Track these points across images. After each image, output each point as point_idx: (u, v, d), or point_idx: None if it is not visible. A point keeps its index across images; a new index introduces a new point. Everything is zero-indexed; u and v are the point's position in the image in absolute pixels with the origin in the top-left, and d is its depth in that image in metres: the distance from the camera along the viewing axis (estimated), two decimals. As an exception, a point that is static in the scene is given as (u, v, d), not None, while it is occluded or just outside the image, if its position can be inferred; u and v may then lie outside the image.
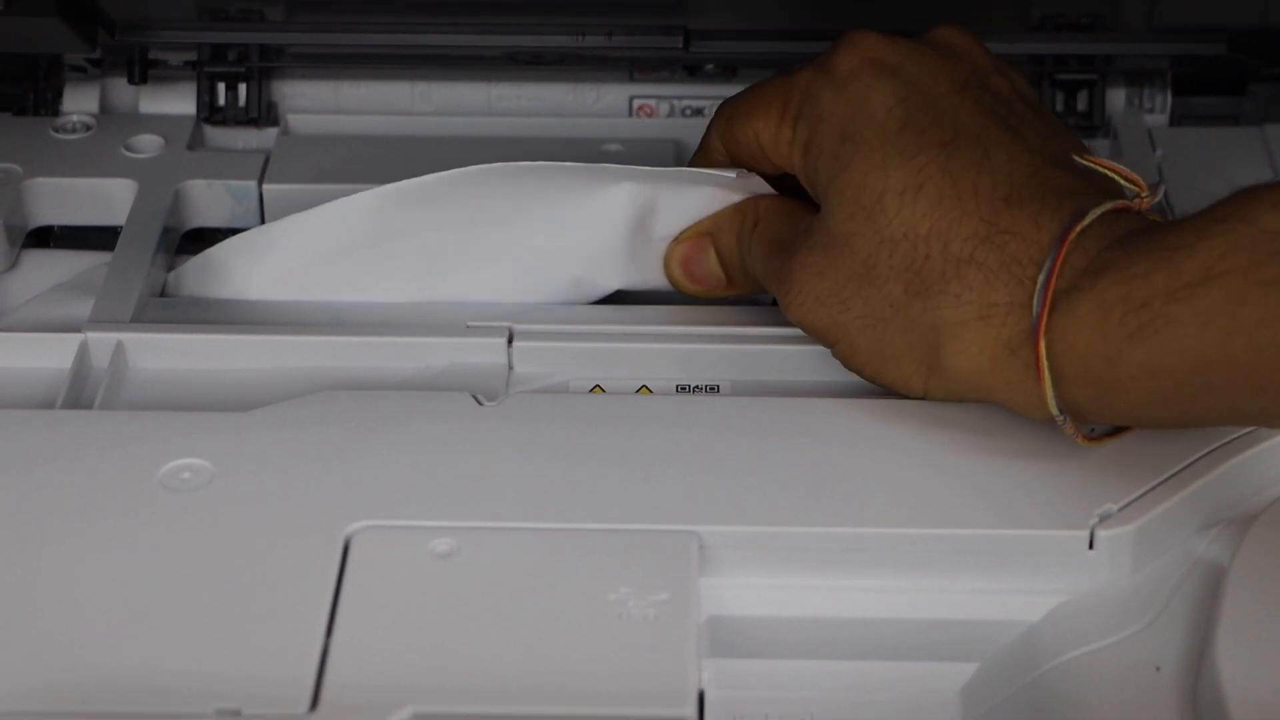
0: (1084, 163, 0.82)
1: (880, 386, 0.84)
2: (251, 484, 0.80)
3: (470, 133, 1.05)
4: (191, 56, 1.05)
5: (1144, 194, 0.80)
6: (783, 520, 0.79)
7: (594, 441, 0.82)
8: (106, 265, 0.95)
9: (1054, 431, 0.82)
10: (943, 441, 0.82)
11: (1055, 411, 0.78)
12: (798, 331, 0.88)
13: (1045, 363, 0.77)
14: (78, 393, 0.87)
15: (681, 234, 0.91)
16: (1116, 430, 0.81)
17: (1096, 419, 0.80)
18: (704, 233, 0.90)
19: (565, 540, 0.78)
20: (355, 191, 0.98)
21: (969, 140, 0.82)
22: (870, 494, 0.80)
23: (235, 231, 1.00)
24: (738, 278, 0.90)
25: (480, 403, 0.85)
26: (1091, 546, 0.78)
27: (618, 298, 0.95)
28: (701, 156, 0.91)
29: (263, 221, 1.00)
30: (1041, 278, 0.77)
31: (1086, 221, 0.78)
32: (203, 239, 1.01)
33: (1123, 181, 0.81)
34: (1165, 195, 0.98)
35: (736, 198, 0.90)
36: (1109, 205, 0.78)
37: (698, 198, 0.90)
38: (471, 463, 0.81)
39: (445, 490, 0.80)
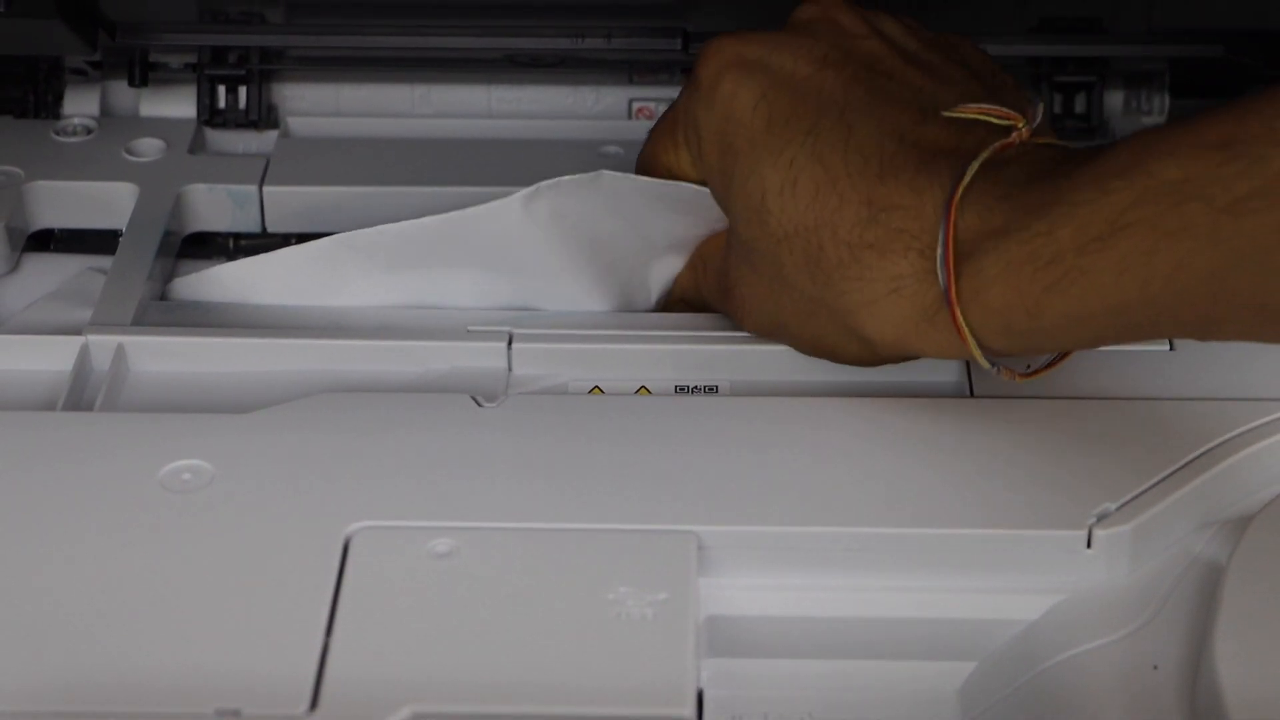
0: (952, 115, 0.81)
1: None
2: (251, 485, 0.81)
3: (470, 135, 1.05)
4: (192, 59, 1.05)
5: (1021, 125, 0.80)
6: (781, 520, 0.79)
7: (592, 442, 0.83)
8: (102, 270, 0.95)
9: (1051, 430, 0.82)
10: (940, 440, 0.82)
11: (985, 364, 0.79)
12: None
13: (965, 325, 0.78)
14: (78, 395, 0.87)
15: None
16: (1052, 361, 0.83)
17: (1026, 357, 0.82)
18: (675, 301, 0.93)
19: (564, 540, 0.78)
20: (354, 194, 0.99)
21: (832, 120, 0.81)
22: (868, 494, 0.80)
23: (236, 236, 1.01)
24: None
25: (480, 404, 0.85)
26: (1089, 545, 0.78)
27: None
28: None
29: (262, 225, 1.00)
30: (940, 250, 0.77)
31: (966, 180, 0.78)
32: (203, 243, 1.01)
33: (997, 120, 0.80)
34: None
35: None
36: (985, 154, 0.78)
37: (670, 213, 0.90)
38: (471, 464, 0.81)
39: (444, 491, 0.80)
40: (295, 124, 1.06)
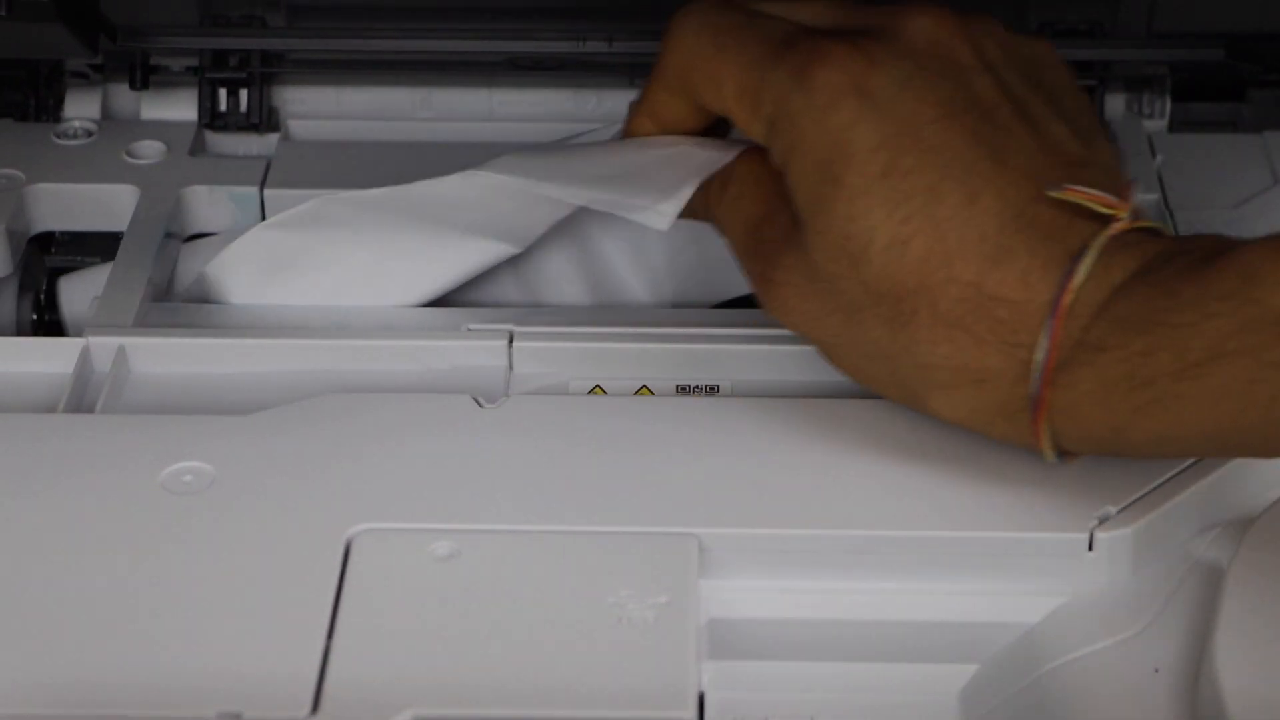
0: (1061, 197, 0.78)
1: None
2: (252, 487, 0.81)
3: (471, 138, 1.05)
4: (193, 62, 1.05)
5: (1121, 214, 0.77)
6: (782, 522, 0.79)
7: (593, 443, 0.83)
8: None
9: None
10: (942, 443, 0.82)
11: (1052, 458, 0.79)
12: (787, 346, 0.89)
13: (1046, 432, 0.77)
14: (79, 397, 0.87)
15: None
16: None
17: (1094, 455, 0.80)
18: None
19: (565, 543, 0.78)
20: (358, 195, 0.99)
21: (955, 182, 0.78)
22: (869, 496, 0.80)
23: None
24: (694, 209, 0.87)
25: (480, 404, 0.85)
26: (1091, 548, 0.78)
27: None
28: (644, 114, 0.88)
29: (264, 225, 1.01)
30: (1040, 358, 0.76)
31: (1076, 285, 0.76)
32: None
33: (1101, 209, 0.77)
34: (1165, 200, 0.98)
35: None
36: (1092, 257, 0.76)
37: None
38: (471, 465, 0.81)
39: (445, 493, 0.80)
40: (296, 127, 1.06)
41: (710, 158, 0.86)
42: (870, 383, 0.82)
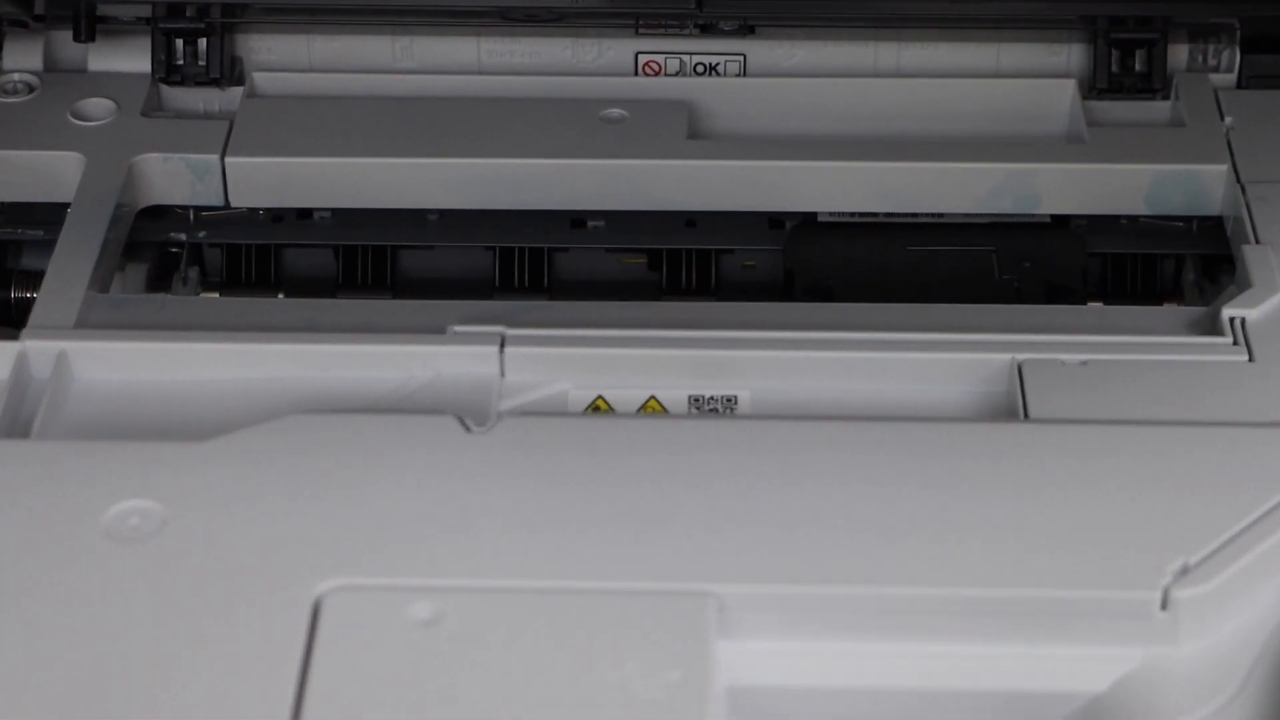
0: None
1: None
2: (208, 532, 0.71)
3: (458, 92, 0.94)
4: (145, 13, 0.93)
5: None
6: (813, 576, 0.69)
7: (596, 479, 0.73)
8: None
9: (1117, 463, 0.72)
10: (991, 475, 0.72)
11: None
12: (828, 334, 0.79)
13: None
14: (15, 411, 0.77)
15: None
16: None
17: None
18: None
19: (562, 605, 0.68)
20: (329, 167, 0.89)
21: None
22: (913, 544, 0.70)
23: (197, 209, 0.91)
24: None
25: (467, 428, 0.75)
26: (1164, 607, 0.69)
27: (626, 292, 0.87)
28: None
29: (225, 199, 0.90)
30: None
31: None
32: (160, 216, 0.91)
33: None
34: (1236, 172, 0.87)
35: None
36: None
37: None
38: (456, 506, 0.72)
39: (426, 540, 0.71)
40: (262, 80, 0.94)
41: None
42: None
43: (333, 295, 0.92)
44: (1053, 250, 0.89)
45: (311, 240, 0.92)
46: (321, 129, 0.91)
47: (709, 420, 0.77)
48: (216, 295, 0.92)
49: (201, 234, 0.91)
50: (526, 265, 0.92)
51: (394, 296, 0.92)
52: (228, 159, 0.89)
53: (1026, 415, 0.76)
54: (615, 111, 0.92)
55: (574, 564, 0.70)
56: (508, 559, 0.70)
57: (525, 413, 0.77)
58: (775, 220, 0.91)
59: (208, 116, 0.93)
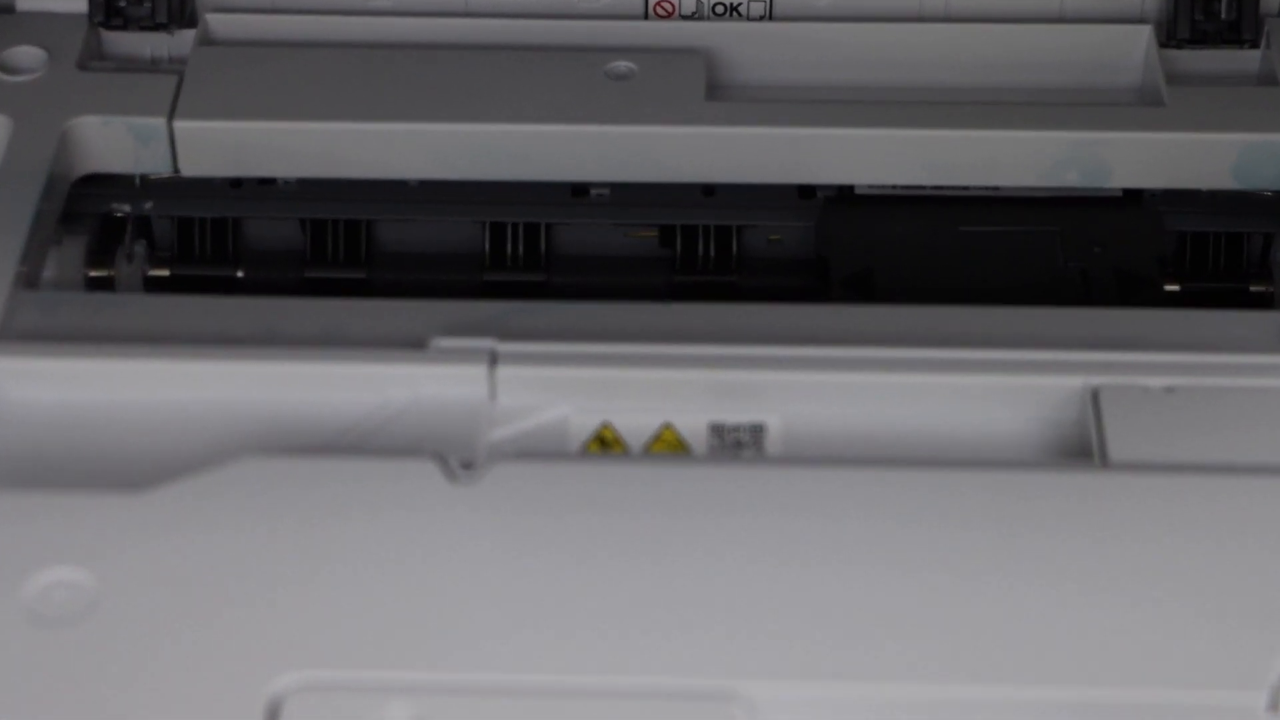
0: None
1: None
2: (145, 610, 0.60)
3: (441, 38, 0.82)
4: (77, -55, 0.81)
5: None
6: (859, 672, 0.59)
7: (603, 545, 0.62)
8: None
9: (1211, 522, 0.62)
10: (1063, 538, 0.62)
11: None
12: (869, 352, 0.68)
13: None
14: (-74, 444, 0.67)
15: None
16: None
17: None
18: None
19: (566, 709, 0.58)
20: (294, 133, 0.78)
21: None
22: (976, 631, 0.60)
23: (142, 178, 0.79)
24: None
25: (451, 474, 0.64)
26: (1274, 708, 0.58)
27: (631, 293, 0.76)
28: None
29: (175, 166, 0.79)
30: None
31: None
32: (100, 183, 0.79)
33: None
34: None
35: None
36: None
37: None
38: (440, 581, 0.61)
39: (405, 625, 0.60)
40: (216, 23, 0.82)
41: None
42: None
43: (300, 273, 0.81)
44: (1126, 231, 0.78)
45: (275, 213, 0.80)
46: (285, 85, 0.79)
47: (734, 467, 0.66)
48: (167, 272, 0.81)
49: (149, 204, 0.80)
50: (521, 240, 0.80)
51: (369, 274, 0.81)
52: (176, 122, 0.78)
53: (1104, 457, 0.65)
54: (622, 65, 0.80)
55: (579, 655, 0.59)
56: (501, 649, 0.59)
57: (519, 454, 0.66)
58: (805, 190, 0.79)
59: (154, 67, 0.82)
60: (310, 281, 0.81)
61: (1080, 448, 0.67)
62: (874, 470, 0.64)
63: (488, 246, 0.81)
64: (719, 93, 0.81)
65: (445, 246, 0.81)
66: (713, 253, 0.80)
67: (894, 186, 0.79)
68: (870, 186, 0.79)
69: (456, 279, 0.81)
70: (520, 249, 0.81)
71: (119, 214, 0.80)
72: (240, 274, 0.81)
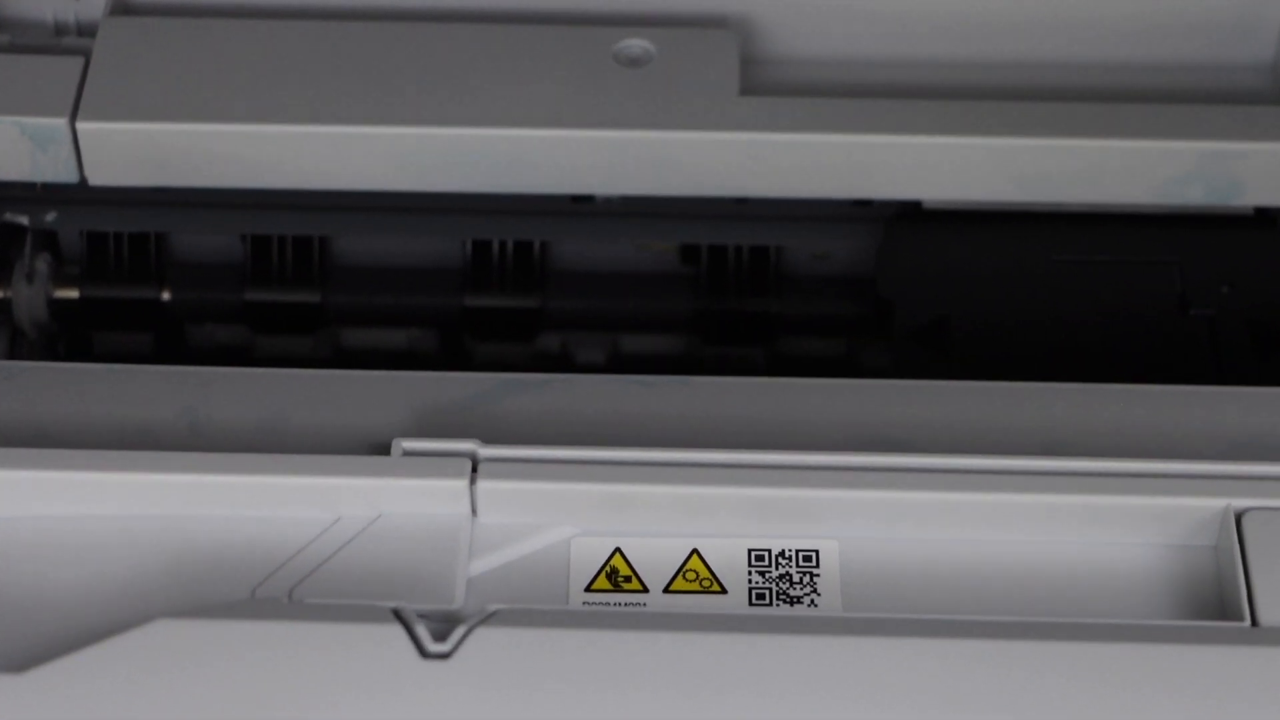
0: None
1: None
2: None
3: (415, 8, 0.66)
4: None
5: None
6: None
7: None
8: None
9: None
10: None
11: None
12: (950, 460, 0.53)
13: None
14: None
15: None
16: None
17: None
18: None
19: None
20: (227, 137, 0.63)
21: None
22: None
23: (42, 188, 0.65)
24: None
25: (423, 649, 0.50)
26: None
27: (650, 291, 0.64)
28: None
29: (80, 176, 0.64)
30: None
31: None
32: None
33: None
34: None
35: None
36: None
37: None
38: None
39: None
40: (133, -14, 0.67)
41: None
42: None
43: (239, 294, 0.66)
44: (1260, 263, 0.63)
45: (207, 228, 0.66)
46: (218, 71, 0.66)
47: (784, 639, 0.51)
48: (76, 294, 0.67)
49: (51, 215, 0.65)
50: (510, 255, 0.66)
51: (324, 296, 0.67)
52: (80, 123, 0.64)
53: (1254, 614, 0.51)
54: (636, 45, 0.65)
55: None
56: None
57: (507, 607, 0.52)
58: (860, 200, 0.65)
59: (56, 43, 0.67)
60: (252, 307, 0.66)
61: (1219, 596, 0.53)
62: (962, 643, 0.50)
63: (469, 261, 0.66)
64: (754, 72, 0.66)
65: (417, 259, 0.67)
66: (745, 271, 0.66)
67: (970, 203, 0.64)
68: (941, 202, 0.64)
69: (430, 303, 0.67)
70: (509, 264, 0.66)
71: (17, 224, 0.66)
72: (166, 296, 0.67)
